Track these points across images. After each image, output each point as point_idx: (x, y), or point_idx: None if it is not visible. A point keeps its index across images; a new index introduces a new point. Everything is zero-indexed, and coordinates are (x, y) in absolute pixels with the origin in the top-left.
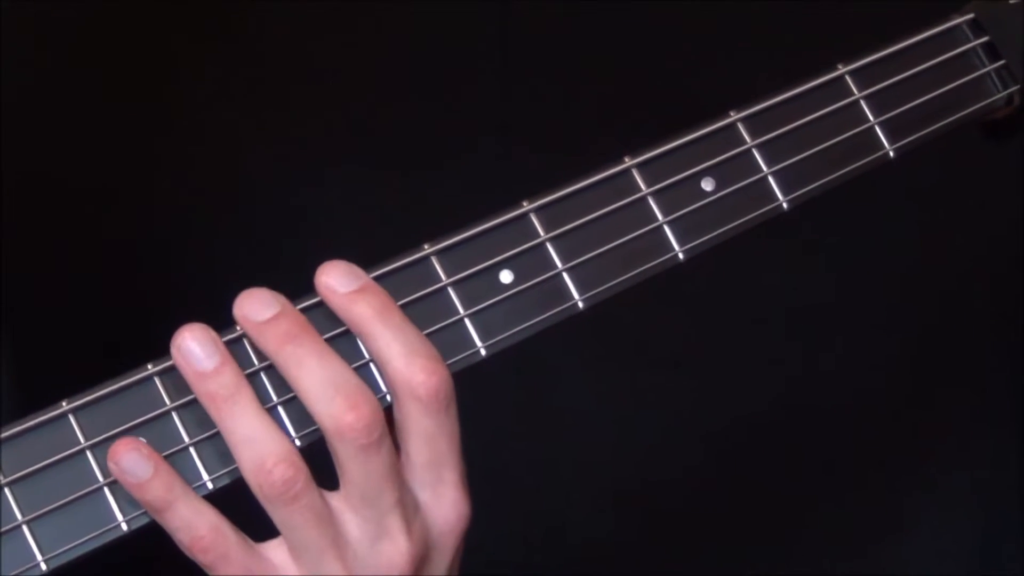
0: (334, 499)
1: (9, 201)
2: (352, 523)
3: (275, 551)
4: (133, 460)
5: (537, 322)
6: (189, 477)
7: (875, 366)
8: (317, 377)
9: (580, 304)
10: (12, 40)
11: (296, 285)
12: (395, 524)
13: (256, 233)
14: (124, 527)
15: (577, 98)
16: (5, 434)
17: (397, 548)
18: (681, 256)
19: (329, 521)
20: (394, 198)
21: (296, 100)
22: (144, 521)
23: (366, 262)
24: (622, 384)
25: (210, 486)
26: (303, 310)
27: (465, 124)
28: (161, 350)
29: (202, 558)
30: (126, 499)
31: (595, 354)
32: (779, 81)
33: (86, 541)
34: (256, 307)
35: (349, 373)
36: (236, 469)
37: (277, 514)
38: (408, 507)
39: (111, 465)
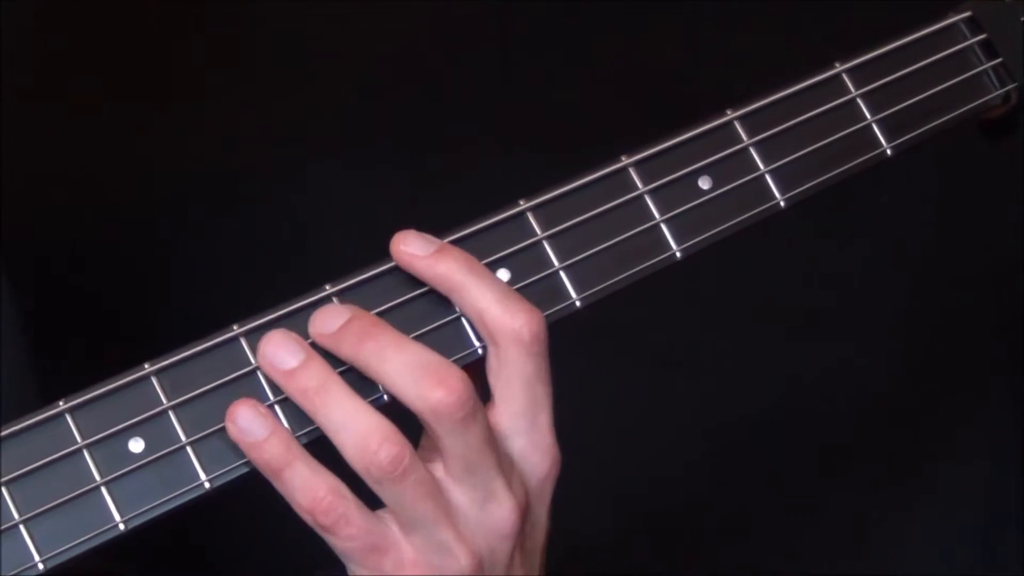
0: (437, 471)
1: (9, 201)
2: (458, 492)
3: (391, 520)
4: (250, 418)
5: None
6: (186, 477)
7: (875, 367)
8: (400, 364)
9: (577, 303)
10: (12, 40)
11: (296, 283)
12: (499, 485)
13: (256, 232)
14: (122, 527)
15: (575, 97)
16: (2, 433)
17: (504, 507)
18: (679, 255)
19: (439, 493)
20: (393, 197)
21: (296, 100)
22: (142, 521)
23: (366, 260)
24: (622, 384)
25: (207, 486)
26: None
27: (464, 124)
28: (158, 349)
29: (323, 520)
30: (124, 498)
31: (595, 354)
32: (776, 79)
33: (84, 541)
34: (328, 320)
35: (430, 353)
36: (234, 468)
37: (387, 493)
38: (507, 465)
39: (228, 425)
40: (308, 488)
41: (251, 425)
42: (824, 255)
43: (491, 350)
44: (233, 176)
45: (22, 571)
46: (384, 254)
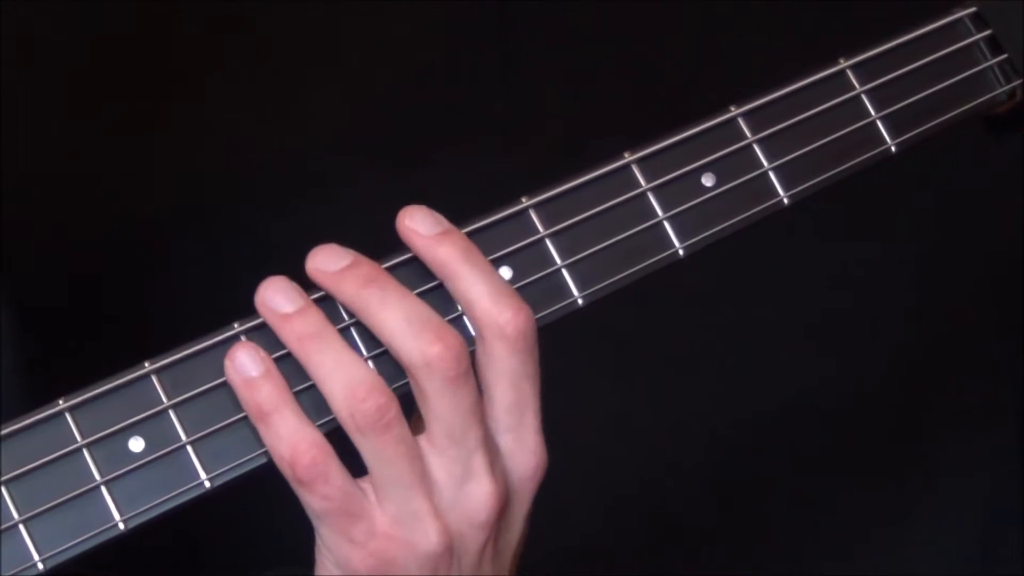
0: (420, 440)
1: (8, 200)
2: (438, 465)
3: (369, 488)
4: (248, 357)
5: (537, 319)
6: (187, 476)
7: (876, 367)
8: (402, 313)
9: (579, 301)
10: (12, 39)
11: (296, 281)
12: (480, 465)
13: (256, 232)
14: (121, 526)
15: (577, 95)
16: (2, 432)
17: (483, 490)
18: (681, 252)
19: (418, 457)
20: (394, 196)
21: (296, 99)
22: (142, 520)
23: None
24: (623, 384)
25: (208, 485)
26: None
27: (465, 123)
28: (158, 348)
29: (302, 473)
30: (124, 498)
31: (596, 354)
32: (780, 76)
33: (83, 540)
34: (330, 258)
35: (432, 311)
36: (235, 467)
37: (368, 444)
38: (491, 450)
39: (226, 363)
40: (293, 437)
41: (247, 363)
42: (825, 256)
43: (478, 343)
44: (233, 176)
45: (22, 570)
46: (385, 253)
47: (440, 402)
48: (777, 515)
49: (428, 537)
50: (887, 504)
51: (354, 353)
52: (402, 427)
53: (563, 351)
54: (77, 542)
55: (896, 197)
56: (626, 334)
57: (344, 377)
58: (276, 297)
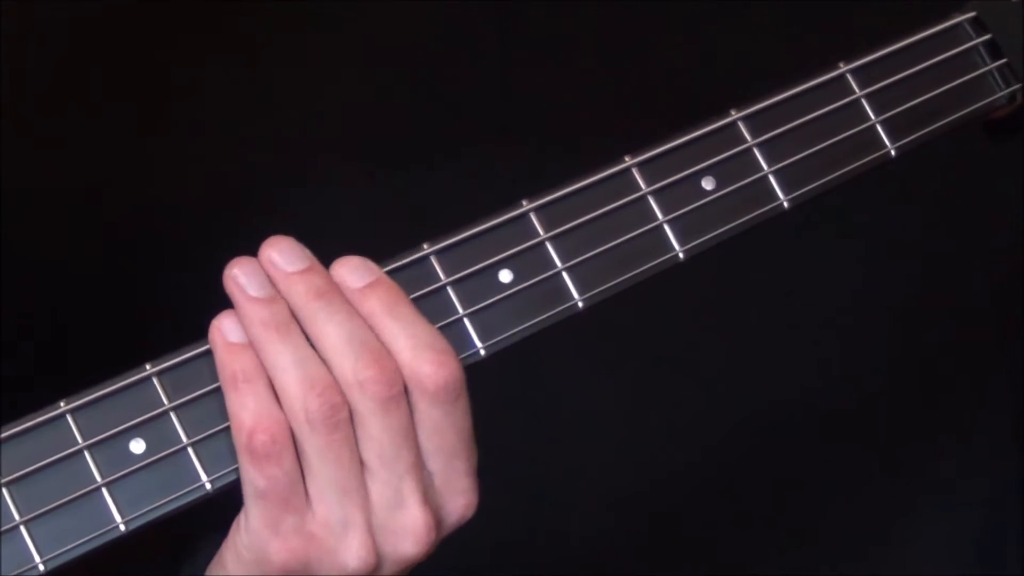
0: None
1: (7, 200)
2: (372, 486)
3: (309, 484)
4: (234, 324)
5: (537, 322)
6: (188, 478)
7: (876, 367)
8: (345, 331)
9: (580, 304)
10: (11, 39)
11: None
12: (411, 492)
13: (256, 232)
14: (122, 528)
15: (577, 98)
16: (3, 434)
17: (414, 518)
18: (681, 256)
19: (358, 467)
20: (393, 197)
21: (294, 100)
22: (143, 522)
23: None
24: (623, 385)
25: (208, 487)
26: None
27: (465, 124)
28: (158, 350)
29: (258, 446)
30: (124, 499)
31: (596, 354)
32: (780, 80)
33: (84, 542)
34: (287, 257)
35: (373, 335)
36: (235, 470)
37: (314, 441)
38: (423, 479)
39: (212, 324)
40: (259, 410)
41: (232, 328)
42: (825, 256)
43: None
44: (233, 176)
45: (23, 572)
46: (384, 254)
47: (372, 422)
48: (777, 515)
49: (352, 550)
50: (887, 504)
51: (315, 353)
52: (349, 431)
53: (563, 351)
54: (78, 544)
55: (896, 197)
56: (626, 334)
57: (302, 372)
58: (251, 282)
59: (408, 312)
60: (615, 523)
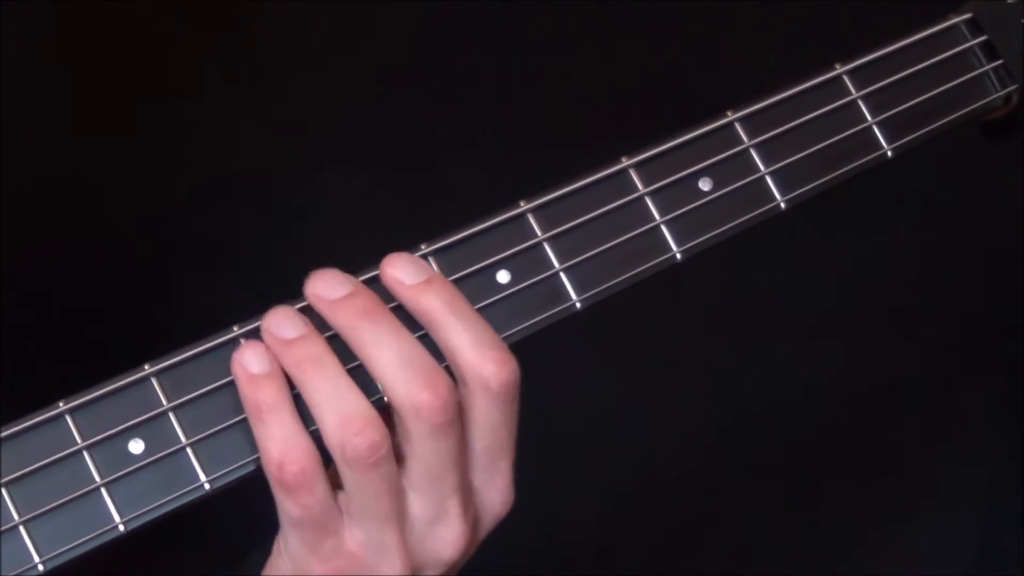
0: (400, 476)
1: (6, 200)
2: (414, 502)
3: (345, 506)
4: (255, 355)
5: (535, 322)
6: (186, 478)
7: (876, 366)
8: (394, 354)
9: (578, 304)
10: (10, 38)
11: (296, 284)
12: (454, 508)
13: (256, 233)
14: (121, 528)
15: (576, 98)
16: (2, 434)
17: (454, 532)
18: (679, 256)
19: (400, 495)
20: (392, 198)
21: (294, 99)
22: (142, 522)
23: (364, 261)
24: (623, 385)
25: (207, 487)
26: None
27: (464, 124)
28: (158, 350)
29: (288, 477)
30: (123, 500)
31: (595, 354)
32: (777, 81)
33: (84, 542)
34: (329, 286)
35: (425, 353)
36: (234, 469)
37: (354, 478)
38: (467, 493)
39: (234, 357)
40: (287, 440)
41: (253, 360)
42: (824, 256)
43: (461, 388)
44: (233, 176)
45: (22, 572)
46: (383, 254)
47: (423, 446)
48: (777, 515)
49: (392, 567)
50: (887, 504)
51: (352, 382)
52: (390, 465)
53: (563, 351)
54: (77, 543)
55: (896, 197)
56: (626, 334)
57: (340, 407)
58: (282, 325)
59: (468, 310)
60: (615, 523)
